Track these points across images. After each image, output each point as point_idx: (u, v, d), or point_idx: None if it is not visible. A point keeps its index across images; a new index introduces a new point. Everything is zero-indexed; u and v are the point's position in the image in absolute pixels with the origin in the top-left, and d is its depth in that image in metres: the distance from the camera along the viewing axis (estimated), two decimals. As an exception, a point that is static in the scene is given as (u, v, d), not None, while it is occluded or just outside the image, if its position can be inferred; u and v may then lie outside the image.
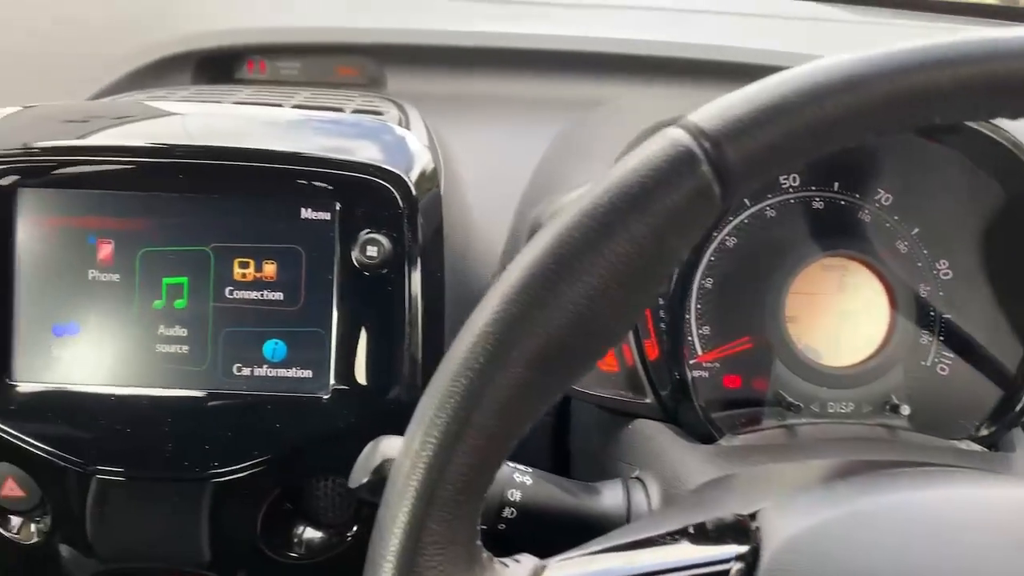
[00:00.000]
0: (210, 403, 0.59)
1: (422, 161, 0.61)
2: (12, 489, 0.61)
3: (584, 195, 0.34)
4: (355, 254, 0.58)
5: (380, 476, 0.46)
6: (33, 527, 0.61)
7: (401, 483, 0.34)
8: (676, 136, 0.34)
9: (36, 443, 0.59)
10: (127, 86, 0.82)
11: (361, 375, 0.59)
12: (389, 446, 0.47)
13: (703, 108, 0.34)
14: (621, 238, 0.33)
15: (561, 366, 0.34)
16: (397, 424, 0.61)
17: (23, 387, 0.59)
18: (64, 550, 0.60)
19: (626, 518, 0.49)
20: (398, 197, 0.59)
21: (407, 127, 0.66)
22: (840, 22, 0.96)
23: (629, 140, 0.79)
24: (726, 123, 0.33)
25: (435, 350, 0.60)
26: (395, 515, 0.34)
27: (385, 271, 0.59)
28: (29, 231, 0.59)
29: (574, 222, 0.33)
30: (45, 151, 0.60)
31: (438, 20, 0.86)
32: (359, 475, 0.47)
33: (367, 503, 0.60)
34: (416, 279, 0.59)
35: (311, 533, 0.61)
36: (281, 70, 0.87)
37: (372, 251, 0.58)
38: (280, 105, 0.68)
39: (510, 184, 0.74)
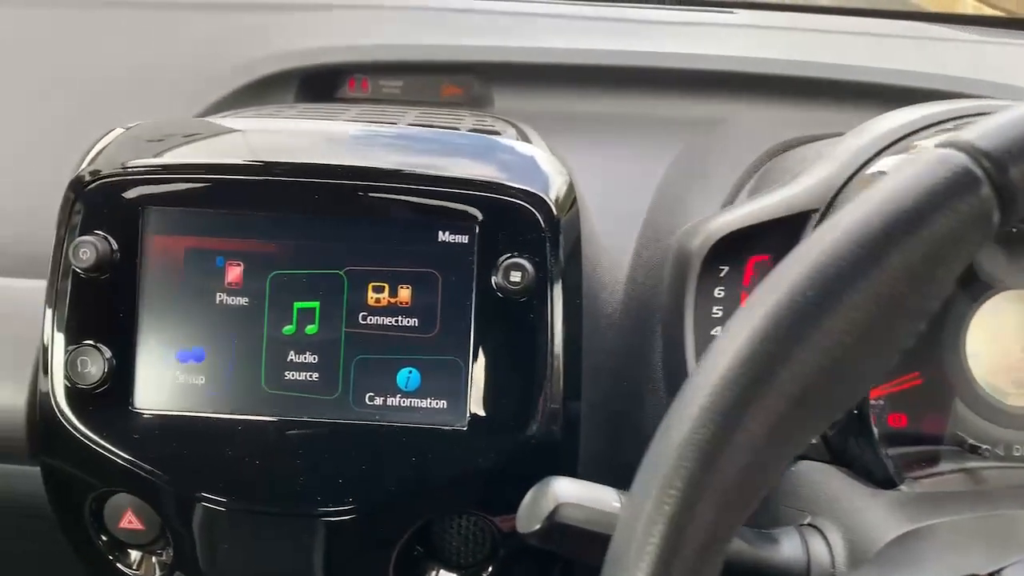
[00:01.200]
0: (341, 434, 0.56)
1: (560, 181, 0.59)
2: (131, 521, 0.58)
3: (842, 219, 0.31)
4: (496, 279, 0.55)
5: (555, 523, 0.43)
6: (155, 560, 0.59)
7: (636, 547, 0.30)
8: (950, 157, 0.30)
9: (157, 473, 0.56)
10: (229, 105, 0.80)
11: (500, 407, 0.56)
12: (561, 490, 0.44)
13: (970, 128, 0.31)
14: (894, 266, 0.30)
15: (819, 410, 0.30)
16: (537, 460, 0.58)
17: (145, 414, 0.57)
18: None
19: (806, 570, 0.45)
20: (540, 219, 0.56)
21: None
22: (951, 41, 0.93)
23: (751, 162, 0.76)
24: (1009, 143, 0.30)
25: (574, 381, 0.57)
26: None
27: (527, 297, 0.56)
28: (155, 251, 0.57)
29: (838, 248, 0.30)
30: (173, 168, 0.57)
31: (547, 37, 0.84)
32: (530, 521, 0.44)
33: (504, 544, 0.57)
34: (558, 306, 0.56)
35: (445, 572, 0.58)
36: (383, 88, 0.85)
37: (515, 276, 0.55)
38: (394, 123, 0.66)
39: (629, 207, 0.71)
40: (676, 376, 0.56)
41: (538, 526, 0.43)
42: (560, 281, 0.56)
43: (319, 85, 0.84)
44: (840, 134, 0.66)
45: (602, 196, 0.71)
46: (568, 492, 0.43)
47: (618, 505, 0.43)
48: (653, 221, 0.70)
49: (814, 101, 0.80)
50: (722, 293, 0.57)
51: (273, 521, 0.56)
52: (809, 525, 0.48)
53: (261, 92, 0.82)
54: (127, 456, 0.56)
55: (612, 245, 0.69)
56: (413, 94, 0.85)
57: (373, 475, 0.56)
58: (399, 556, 0.57)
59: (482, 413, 0.56)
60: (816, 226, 0.54)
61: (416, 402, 0.57)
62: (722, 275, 0.57)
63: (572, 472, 0.57)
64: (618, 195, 0.72)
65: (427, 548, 0.58)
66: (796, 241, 0.55)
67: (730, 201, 0.72)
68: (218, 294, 0.57)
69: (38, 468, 0.60)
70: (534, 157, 0.60)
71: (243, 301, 0.57)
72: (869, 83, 0.80)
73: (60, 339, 0.57)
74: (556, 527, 0.43)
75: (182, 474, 0.56)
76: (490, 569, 0.57)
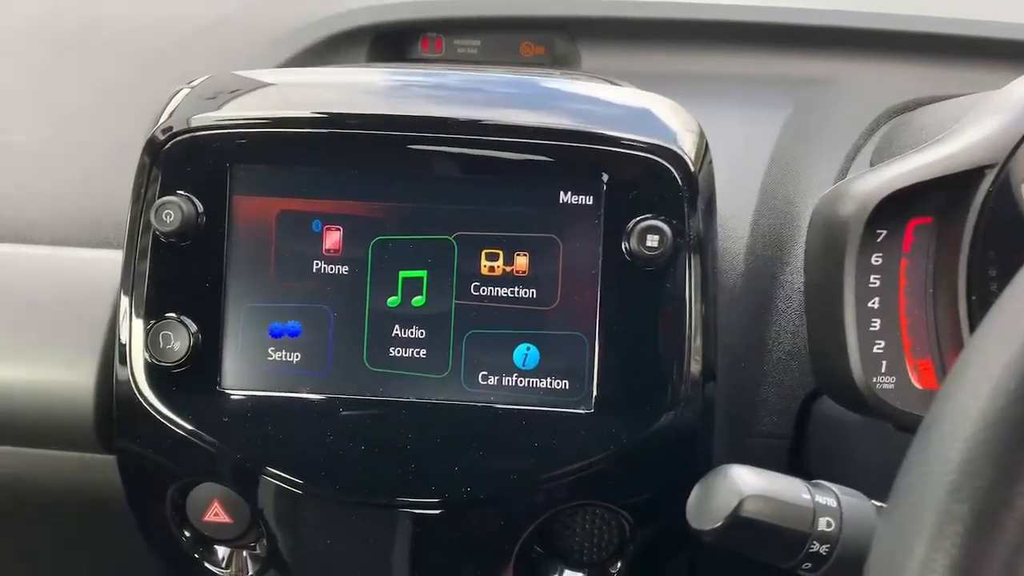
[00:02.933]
0: (452, 417, 0.50)
1: (694, 134, 0.52)
2: (217, 514, 0.52)
3: None
4: (628, 244, 0.50)
5: (739, 518, 0.37)
6: (246, 554, 0.53)
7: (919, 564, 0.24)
8: None
9: (248, 460, 0.51)
10: (299, 63, 0.74)
11: (629, 388, 0.50)
12: (745, 481, 0.38)
13: None
14: None
15: None
16: (672, 447, 0.52)
17: (234, 395, 0.51)
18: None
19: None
20: (677, 176, 0.50)
21: None
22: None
23: (868, 123, 0.70)
24: None
25: (711, 358, 0.51)
26: None
27: (661, 264, 0.50)
28: (244, 214, 0.51)
29: None
30: (263, 121, 0.52)
31: (638, -11, 0.77)
32: (708, 517, 0.38)
33: (634, 538, 0.52)
34: (696, 274, 0.50)
35: (568, 572, 0.52)
36: (458, 48, 0.79)
37: (652, 240, 0.49)
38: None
39: (743, 174, 0.65)
40: (827, 358, 0.50)
41: (719, 523, 0.37)
42: (699, 246, 0.50)
43: (390, 44, 0.78)
44: (966, 94, 0.61)
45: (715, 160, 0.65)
46: (753, 483, 0.38)
47: (808, 497, 0.38)
48: (769, 188, 0.64)
49: (931, 58, 0.74)
50: (880, 260, 0.51)
51: (377, 513, 0.51)
52: None
53: (329, 52, 0.76)
54: (214, 441, 0.51)
55: (729, 214, 0.63)
56: (490, 54, 0.79)
57: (488, 463, 0.50)
58: (518, 554, 0.51)
59: (609, 394, 0.50)
60: (995, 182, 0.48)
61: (535, 382, 0.51)
62: (879, 240, 0.51)
63: (708, 461, 0.52)
64: (729, 161, 0.66)
65: (547, 545, 0.52)
66: (963, 201, 0.49)
67: (847, 166, 0.66)
68: (315, 262, 0.51)
69: (108, 457, 0.55)
70: (663, 108, 0.54)
71: (342, 270, 0.51)
72: (989, 38, 0.74)
73: (140, 313, 0.51)
74: (740, 523, 0.37)
75: (276, 461, 0.51)
76: (619, 566, 0.52)
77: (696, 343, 0.50)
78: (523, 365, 0.51)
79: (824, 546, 0.38)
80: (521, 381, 0.51)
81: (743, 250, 0.62)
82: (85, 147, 0.67)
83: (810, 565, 0.38)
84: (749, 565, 0.56)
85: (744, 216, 0.63)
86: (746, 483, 0.38)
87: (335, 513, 0.51)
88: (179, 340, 0.51)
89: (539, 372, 0.51)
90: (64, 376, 0.57)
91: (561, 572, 0.52)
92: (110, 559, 0.70)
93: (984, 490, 0.24)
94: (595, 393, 0.50)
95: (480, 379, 0.51)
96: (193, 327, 0.51)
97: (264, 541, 0.52)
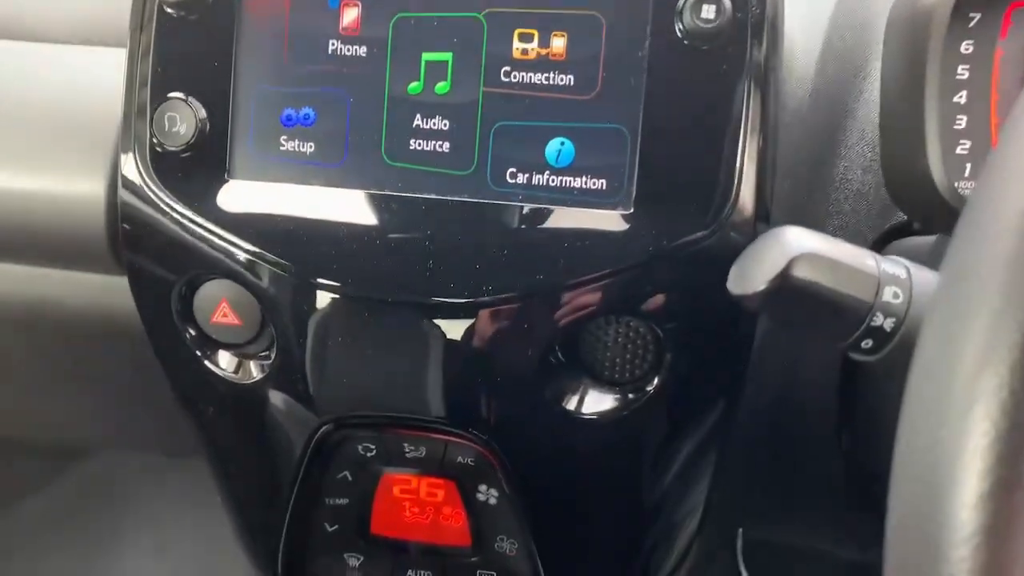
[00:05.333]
0: (476, 215, 0.46)
1: None
2: (225, 314, 0.49)
3: None
4: (680, 22, 0.44)
5: (790, 279, 0.32)
6: (253, 364, 0.50)
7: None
8: None
9: (257, 252, 0.47)
10: None
11: (675, 187, 0.45)
12: (799, 240, 0.33)
13: None
14: None
15: None
16: (719, 256, 0.47)
17: (244, 186, 0.48)
18: (286, 390, 0.49)
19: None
20: (739, -60, 0.44)
21: None
22: None
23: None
24: None
25: (770, 158, 0.45)
26: None
27: (717, 43, 0.44)
28: (256, -11, 0.47)
29: None
30: None
31: None
32: (752, 278, 0.33)
33: (671, 354, 0.47)
34: (758, 57, 0.44)
35: (596, 391, 0.48)
36: None
37: (708, 11, 0.43)
38: None
39: None
40: (903, 161, 0.44)
41: (764, 285, 0.32)
42: (762, 22, 0.44)
43: None
44: None
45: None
46: (809, 243, 0.32)
47: (873, 264, 0.32)
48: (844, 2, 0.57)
49: None
50: (970, 48, 0.44)
51: (391, 312, 0.47)
52: None
53: None
54: (222, 232, 0.47)
55: (800, 27, 0.56)
56: None
57: (514, 264, 0.46)
58: (540, 364, 0.47)
59: (651, 194, 0.45)
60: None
61: (568, 181, 0.46)
62: (972, 26, 0.44)
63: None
64: None
65: (574, 359, 0.48)
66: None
67: None
68: (330, 42, 0.47)
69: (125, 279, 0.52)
70: None
71: (360, 51, 0.47)
72: None
73: (144, 91, 0.48)
74: (791, 287, 0.32)
75: (287, 255, 0.47)
76: (653, 384, 0.47)
77: (753, 142, 0.44)
78: (556, 162, 0.46)
79: (889, 320, 0.32)
80: (553, 180, 0.46)
81: (814, 71, 0.55)
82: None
83: (871, 343, 0.33)
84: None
85: (818, 33, 0.56)
86: (801, 242, 0.32)
87: (347, 312, 0.47)
88: (185, 122, 0.47)
89: (574, 170, 0.46)
90: (76, 185, 0.54)
91: (585, 389, 0.48)
92: (125, 382, 0.69)
93: None
94: (635, 192, 0.45)
95: (508, 177, 0.46)
96: (201, 111, 0.47)
97: (273, 349, 0.49)
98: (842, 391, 0.51)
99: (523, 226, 0.46)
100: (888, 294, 0.32)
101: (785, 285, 0.32)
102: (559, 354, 0.48)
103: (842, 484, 0.56)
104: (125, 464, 1.19)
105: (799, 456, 0.59)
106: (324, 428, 0.49)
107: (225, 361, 0.51)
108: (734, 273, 0.35)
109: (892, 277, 0.33)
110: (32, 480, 1.15)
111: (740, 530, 1.00)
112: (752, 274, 0.33)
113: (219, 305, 0.49)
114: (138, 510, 1.15)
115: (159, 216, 0.48)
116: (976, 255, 0.25)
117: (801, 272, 0.32)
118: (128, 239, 0.49)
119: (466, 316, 0.46)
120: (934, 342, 0.25)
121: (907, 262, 0.34)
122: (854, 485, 0.54)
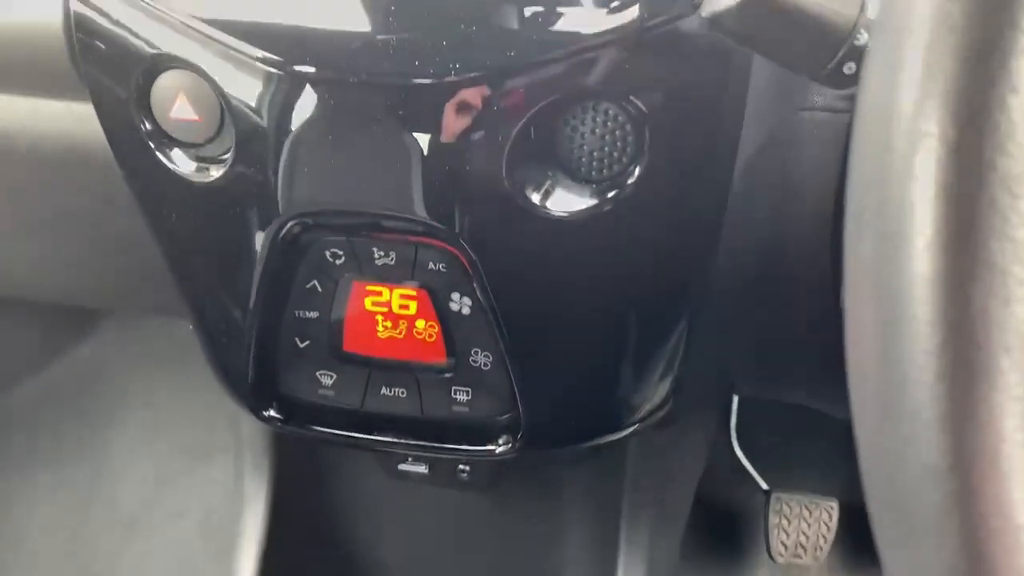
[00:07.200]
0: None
1: None
2: (184, 110, 0.47)
3: None
4: None
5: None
6: (212, 166, 0.48)
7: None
8: None
9: (215, 33, 0.44)
10: None
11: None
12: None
13: None
14: None
15: None
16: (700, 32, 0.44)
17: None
18: (246, 186, 0.47)
19: None
20: None
21: None
22: None
23: None
24: None
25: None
26: None
27: None
28: None
29: None
30: None
31: None
32: None
33: (648, 150, 0.44)
34: None
35: (571, 186, 0.45)
36: None
37: None
38: None
39: None
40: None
41: (731, 3, 0.30)
42: None
43: None
44: None
45: None
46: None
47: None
48: None
49: None
50: None
51: (355, 93, 0.44)
52: None
53: None
54: (177, 16, 0.45)
55: None
56: None
57: (483, 41, 0.43)
58: (513, 155, 0.44)
59: None
60: None
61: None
62: None
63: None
64: None
65: (548, 155, 0.45)
66: None
67: None
68: None
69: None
70: None
71: None
72: None
73: None
74: (754, 7, 0.29)
75: (249, 35, 0.44)
76: (629, 182, 0.45)
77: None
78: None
79: (874, 38, 0.30)
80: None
81: None
82: None
83: (853, 67, 0.30)
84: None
85: None
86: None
87: (308, 98, 0.44)
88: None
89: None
90: None
91: (561, 183, 0.45)
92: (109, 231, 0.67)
93: None
94: (612, -36, 0.42)
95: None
96: None
97: (233, 148, 0.46)
98: (835, 232, 0.49)
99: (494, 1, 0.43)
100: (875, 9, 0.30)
101: (746, 4, 0.29)
102: (535, 148, 0.45)
103: (839, 339, 0.54)
104: (123, 347, 1.19)
105: (790, 303, 0.56)
106: (287, 227, 0.47)
107: (182, 160, 0.48)
108: None
109: (878, -9, 0.30)
110: (32, 358, 1.17)
111: (735, 402, 0.99)
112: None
113: (177, 99, 0.47)
114: (131, 392, 1.17)
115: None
116: None
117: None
118: (81, 26, 0.46)
119: (433, 98, 0.43)
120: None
121: None
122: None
